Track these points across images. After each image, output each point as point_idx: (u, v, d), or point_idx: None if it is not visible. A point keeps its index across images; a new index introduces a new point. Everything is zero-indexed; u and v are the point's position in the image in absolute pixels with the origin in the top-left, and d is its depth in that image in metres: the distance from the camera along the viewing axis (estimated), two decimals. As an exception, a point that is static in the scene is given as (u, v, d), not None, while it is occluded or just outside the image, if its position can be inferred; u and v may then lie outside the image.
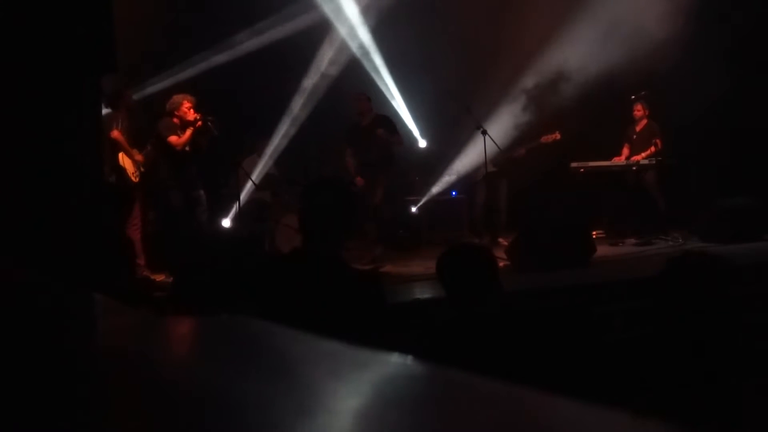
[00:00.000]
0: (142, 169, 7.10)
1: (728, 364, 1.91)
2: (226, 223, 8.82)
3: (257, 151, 9.22)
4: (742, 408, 1.82)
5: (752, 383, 1.94)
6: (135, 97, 7.69)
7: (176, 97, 7.22)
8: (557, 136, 8.59)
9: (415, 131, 9.81)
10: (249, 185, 8.07)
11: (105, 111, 6.67)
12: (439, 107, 9.67)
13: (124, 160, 6.94)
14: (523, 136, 8.78)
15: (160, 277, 6.84)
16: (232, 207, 9.01)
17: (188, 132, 7.05)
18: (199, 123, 7.10)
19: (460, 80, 9.22)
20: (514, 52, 9.00)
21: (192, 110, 7.14)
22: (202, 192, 7.36)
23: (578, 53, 8.95)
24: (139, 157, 7.06)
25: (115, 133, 6.88)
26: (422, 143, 9.79)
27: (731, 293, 2.01)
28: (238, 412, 0.55)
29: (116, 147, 6.88)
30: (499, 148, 8.05)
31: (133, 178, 7.00)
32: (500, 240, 8.43)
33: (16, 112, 3.90)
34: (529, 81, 9.21)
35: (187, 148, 7.10)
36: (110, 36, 4.38)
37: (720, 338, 1.94)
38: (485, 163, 7.81)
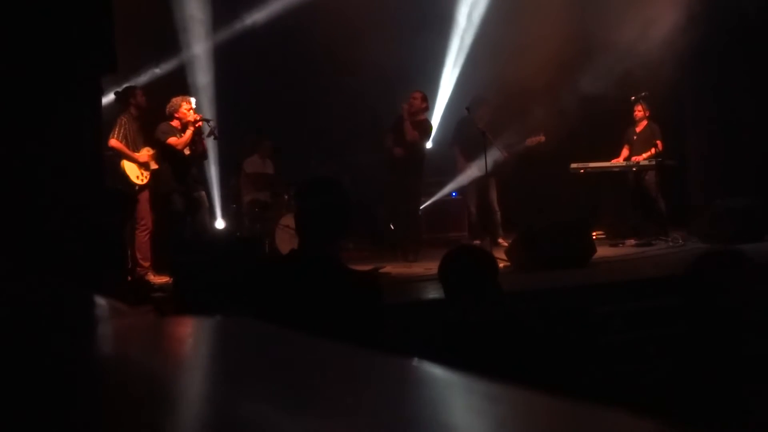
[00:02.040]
0: (153, 167, 7.13)
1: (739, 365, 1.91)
2: (227, 224, 8.83)
3: (258, 151, 9.22)
4: (746, 409, 1.81)
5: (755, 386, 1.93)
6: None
7: (175, 99, 7.24)
8: (542, 138, 8.64)
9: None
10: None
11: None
12: (441, 107, 9.68)
13: (125, 165, 6.96)
14: (510, 138, 8.80)
15: (161, 279, 6.85)
16: (232, 208, 9.03)
17: (188, 132, 7.07)
18: (199, 123, 7.14)
19: (462, 79, 9.23)
20: (515, 52, 9.00)
21: (192, 111, 7.17)
22: (203, 193, 7.38)
23: (579, 53, 8.95)
24: (144, 159, 7.08)
25: (113, 142, 6.92)
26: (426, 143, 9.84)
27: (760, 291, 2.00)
28: (235, 413, 0.55)
29: (116, 154, 6.92)
30: (499, 149, 8.06)
31: (137, 182, 7.02)
32: (500, 241, 8.43)
33: (14, 112, 3.90)
34: (528, 82, 9.21)
35: (187, 151, 7.12)
36: (110, 35, 4.38)
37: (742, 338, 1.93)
38: (485, 165, 7.83)
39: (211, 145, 7.84)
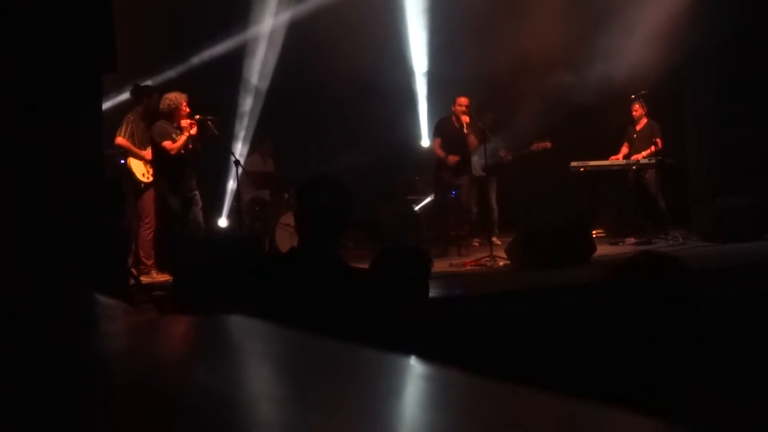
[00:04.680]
0: None
1: (681, 368, 1.90)
2: (225, 222, 8.83)
3: (258, 150, 9.22)
4: (692, 411, 1.82)
5: (709, 388, 1.94)
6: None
7: (173, 98, 6.96)
8: (548, 144, 8.70)
9: (424, 130, 9.95)
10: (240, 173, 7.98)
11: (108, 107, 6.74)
12: (443, 106, 9.67)
13: (131, 162, 6.96)
14: (514, 140, 8.81)
15: (164, 277, 6.82)
16: (232, 206, 9.03)
17: (183, 137, 6.88)
18: (195, 129, 6.94)
19: (464, 80, 9.23)
20: (514, 53, 9.00)
21: (189, 109, 7.02)
22: (197, 192, 7.29)
23: (579, 53, 8.94)
24: (150, 156, 7.05)
25: (119, 140, 6.95)
26: (425, 142, 9.89)
27: (685, 298, 2.00)
28: (235, 412, 0.55)
29: (123, 152, 6.93)
30: (499, 149, 8.07)
31: (143, 179, 7.01)
32: (494, 239, 8.42)
33: (15, 111, 3.90)
34: (530, 83, 9.21)
35: (182, 152, 6.95)
36: (111, 35, 4.38)
37: (672, 341, 1.93)
38: (486, 163, 7.84)
39: (212, 144, 7.78)
